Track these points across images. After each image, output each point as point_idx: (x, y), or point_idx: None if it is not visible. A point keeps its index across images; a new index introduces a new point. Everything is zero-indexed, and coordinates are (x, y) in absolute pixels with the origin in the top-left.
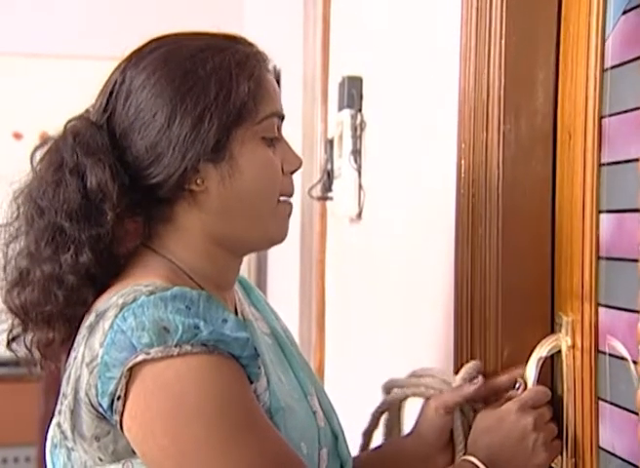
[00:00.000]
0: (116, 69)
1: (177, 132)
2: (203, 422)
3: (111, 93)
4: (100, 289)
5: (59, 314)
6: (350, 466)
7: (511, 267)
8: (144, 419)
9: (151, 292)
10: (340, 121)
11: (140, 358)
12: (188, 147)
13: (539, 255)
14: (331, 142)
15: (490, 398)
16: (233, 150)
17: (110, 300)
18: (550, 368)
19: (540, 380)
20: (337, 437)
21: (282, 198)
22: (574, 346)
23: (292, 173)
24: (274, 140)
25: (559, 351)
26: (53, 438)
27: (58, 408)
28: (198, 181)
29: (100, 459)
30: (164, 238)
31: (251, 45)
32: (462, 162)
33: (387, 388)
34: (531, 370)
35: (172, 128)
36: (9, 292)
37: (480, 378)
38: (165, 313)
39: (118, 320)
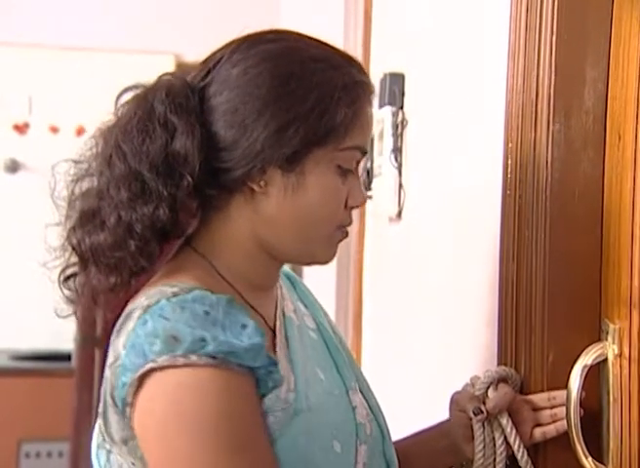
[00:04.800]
0: (227, 46)
1: (259, 129)
2: (195, 435)
3: (214, 66)
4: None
5: (126, 261)
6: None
7: (558, 271)
8: (145, 424)
9: (174, 294)
10: (380, 118)
11: (149, 366)
12: (264, 148)
13: (587, 260)
14: (371, 140)
15: (522, 411)
16: (306, 166)
17: (138, 301)
18: (596, 377)
19: (584, 390)
20: (384, 436)
21: (339, 227)
22: (621, 355)
23: (352, 208)
24: (348, 172)
25: (605, 360)
26: (97, 438)
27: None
28: (261, 183)
29: (133, 464)
30: (210, 232)
31: (363, 72)
32: (509, 162)
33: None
34: (575, 380)
35: (256, 123)
36: (74, 231)
37: (501, 389)
38: (179, 321)
39: (140, 322)
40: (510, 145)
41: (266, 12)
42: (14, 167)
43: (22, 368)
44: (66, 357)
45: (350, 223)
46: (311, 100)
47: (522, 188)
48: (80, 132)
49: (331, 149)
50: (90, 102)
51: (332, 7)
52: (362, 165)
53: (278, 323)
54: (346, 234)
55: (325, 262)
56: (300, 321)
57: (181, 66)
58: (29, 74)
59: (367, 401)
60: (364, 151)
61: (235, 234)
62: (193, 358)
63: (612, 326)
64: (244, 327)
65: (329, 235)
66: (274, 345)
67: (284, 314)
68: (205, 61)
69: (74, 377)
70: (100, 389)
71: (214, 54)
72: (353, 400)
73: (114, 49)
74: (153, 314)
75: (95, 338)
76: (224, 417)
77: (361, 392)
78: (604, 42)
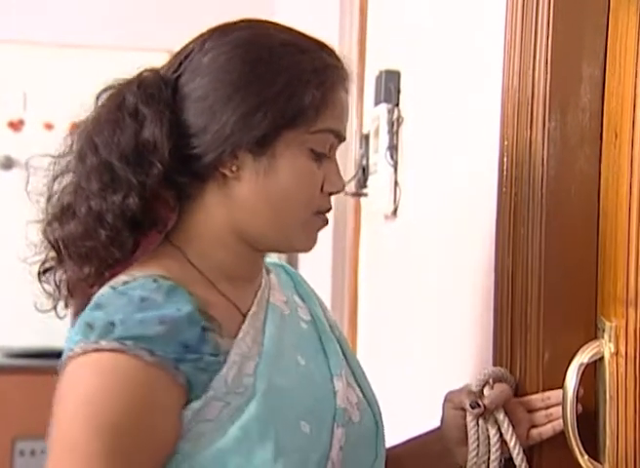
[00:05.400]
0: (199, 37)
1: (229, 113)
2: (73, 417)
3: (186, 57)
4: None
5: (97, 251)
6: (381, 462)
7: (554, 269)
8: (54, 406)
9: (124, 283)
10: (376, 116)
11: (68, 355)
12: (234, 132)
13: (583, 258)
14: (366, 137)
15: (516, 412)
16: (276, 150)
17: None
18: (592, 375)
19: (580, 388)
20: (377, 427)
21: (317, 213)
22: (617, 353)
23: (331, 194)
24: (322, 156)
25: (601, 358)
26: None
27: None
28: (233, 168)
29: None
30: (186, 223)
31: (335, 57)
32: (505, 159)
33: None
34: (571, 378)
35: (225, 108)
36: (50, 225)
37: (498, 387)
38: (111, 307)
39: (84, 313)
40: (506, 143)
41: (261, 10)
42: (8, 164)
43: (16, 365)
44: (60, 354)
45: (329, 209)
46: (279, 84)
47: (518, 186)
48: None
49: (302, 132)
50: (85, 99)
51: (327, 4)
52: (357, 159)
53: (254, 309)
54: (326, 221)
55: (304, 250)
56: (290, 311)
57: None
58: (24, 71)
59: (362, 391)
60: (339, 135)
61: (210, 222)
62: (103, 343)
63: (608, 324)
64: (178, 310)
65: (305, 221)
66: (238, 331)
67: (268, 302)
68: (177, 54)
69: None
70: None
71: (186, 46)
72: (336, 385)
73: (109, 46)
74: (93, 304)
75: None
76: (99, 406)
77: (356, 382)
78: (600, 39)
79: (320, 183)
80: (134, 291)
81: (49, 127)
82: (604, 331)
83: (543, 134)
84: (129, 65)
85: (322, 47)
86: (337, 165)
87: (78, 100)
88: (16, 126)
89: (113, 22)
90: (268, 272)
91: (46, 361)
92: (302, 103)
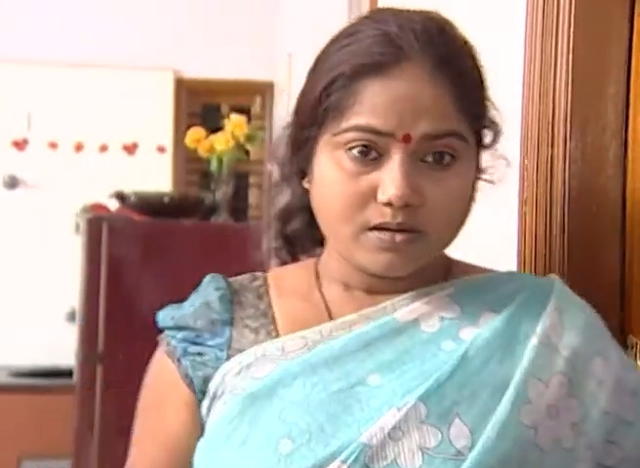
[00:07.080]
0: None
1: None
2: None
3: None
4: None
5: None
6: None
7: (577, 289)
8: None
9: None
10: None
11: None
12: (287, 144)
13: (606, 278)
14: None
15: None
16: (314, 160)
17: None
18: None
19: None
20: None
21: (372, 228)
22: None
23: (385, 204)
24: (376, 160)
25: None
26: None
27: None
28: (305, 184)
29: None
30: None
31: (375, 41)
32: (525, 178)
33: None
34: None
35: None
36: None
37: None
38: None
39: None
40: (526, 162)
41: (264, 30)
42: (12, 183)
43: (23, 384)
44: (67, 373)
45: (387, 223)
46: (306, 88)
47: (539, 205)
48: (79, 148)
49: (327, 135)
50: (89, 118)
51: (335, 12)
52: None
53: (349, 318)
54: (390, 241)
55: (377, 272)
56: (438, 329)
57: (180, 83)
58: (28, 90)
59: (473, 439)
60: (374, 131)
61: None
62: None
63: (638, 342)
64: (191, 306)
65: (354, 235)
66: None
67: (388, 316)
68: None
69: (75, 394)
70: (102, 406)
71: None
72: (383, 419)
73: (113, 65)
74: None
75: (97, 354)
76: (145, 387)
77: (481, 428)
78: (622, 56)
79: (367, 192)
80: (200, 287)
81: (53, 146)
82: (632, 348)
83: (564, 152)
84: (133, 85)
85: (369, 31)
86: (395, 168)
87: (82, 119)
88: (20, 145)
89: (117, 42)
90: (444, 288)
91: (52, 380)
92: (312, 103)
